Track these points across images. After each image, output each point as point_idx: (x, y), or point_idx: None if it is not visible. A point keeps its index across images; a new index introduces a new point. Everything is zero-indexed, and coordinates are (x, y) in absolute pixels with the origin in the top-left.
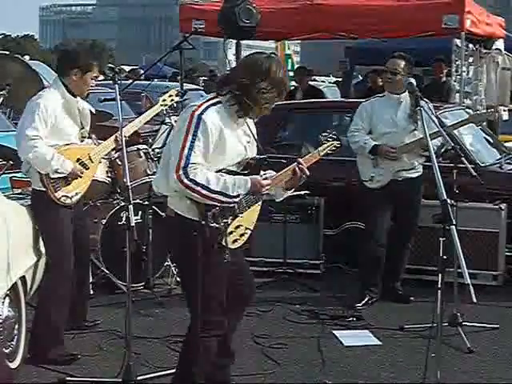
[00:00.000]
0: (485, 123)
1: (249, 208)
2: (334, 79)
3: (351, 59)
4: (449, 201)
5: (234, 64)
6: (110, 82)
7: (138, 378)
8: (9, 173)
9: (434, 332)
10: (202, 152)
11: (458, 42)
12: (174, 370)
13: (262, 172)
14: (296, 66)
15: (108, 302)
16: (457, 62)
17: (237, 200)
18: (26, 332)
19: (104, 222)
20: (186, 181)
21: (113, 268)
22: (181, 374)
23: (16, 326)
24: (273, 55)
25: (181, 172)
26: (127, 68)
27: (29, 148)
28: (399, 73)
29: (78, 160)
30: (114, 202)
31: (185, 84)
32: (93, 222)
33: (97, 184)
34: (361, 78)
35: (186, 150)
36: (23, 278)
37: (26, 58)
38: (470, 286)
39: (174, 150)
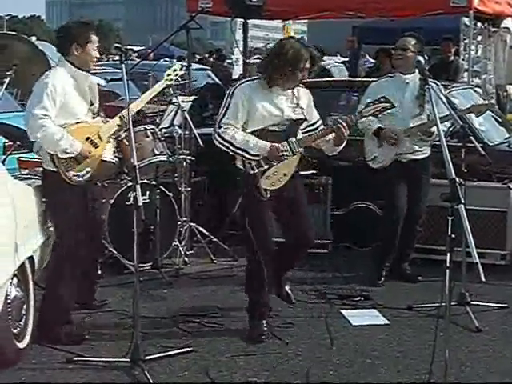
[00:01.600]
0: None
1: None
2: (342, 59)
3: (358, 38)
4: (457, 180)
5: (241, 44)
6: (117, 62)
7: (146, 357)
8: (16, 153)
9: (442, 311)
10: (232, 116)
11: (466, 20)
12: (182, 350)
13: (300, 133)
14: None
15: (116, 282)
16: (465, 41)
17: (257, 158)
18: (35, 312)
19: (111, 202)
20: (217, 137)
21: (120, 248)
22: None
23: (24, 306)
24: (291, 39)
25: (214, 132)
26: (136, 48)
27: (38, 127)
28: (409, 49)
29: (88, 138)
30: (122, 182)
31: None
32: (100, 202)
33: (104, 164)
34: (368, 57)
35: (220, 115)
36: (31, 258)
37: (33, 38)
38: (479, 265)
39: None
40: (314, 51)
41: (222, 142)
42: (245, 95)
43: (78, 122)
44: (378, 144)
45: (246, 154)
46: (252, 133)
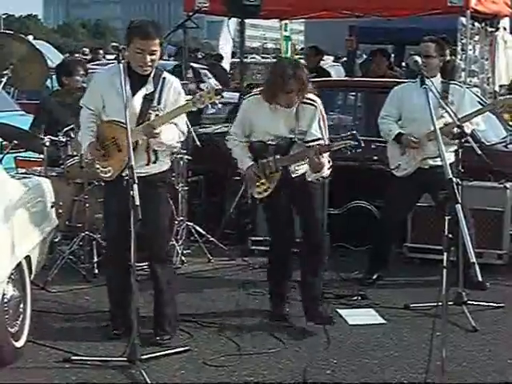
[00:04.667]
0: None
1: (269, 174)
2: (333, 58)
3: (355, 38)
4: (454, 179)
5: (237, 43)
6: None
7: (143, 356)
8: (13, 152)
9: (439, 311)
10: (236, 126)
11: (463, 20)
12: (179, 349)
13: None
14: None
15: None
16: (462, 41)
17: (243, 172)
18: (31, 311)
19: None
20: (226, 143)
21: None
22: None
23: (21, 306)
24: (285, 59)
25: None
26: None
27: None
28: (431, 55)
29: (113, 138)
30: None
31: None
32: (97, 202)
33: None
34: (365, 56)
35: (233, 123)
36: (28, 258)
37: (30, 37)
38: (476, 265)
39: None
40: (305, 75)
41: (228, 147)
42: (248, 109)
43: (116, 121)
44: (401, 151)
45: (238, 164)
46: (253, 143)
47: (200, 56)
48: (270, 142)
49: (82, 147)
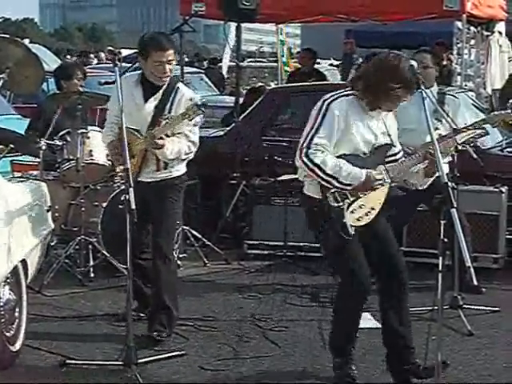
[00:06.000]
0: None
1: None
2: (335, 62)
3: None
4: (449, 183)
5: (232, 46)
6: (111, 65)
7: (139, 361)
8: (9, 156)
9: (435, 315)
10: (326, 135)
11: (459, 24)
12: (174, 353)
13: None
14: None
15: (109, 285)
16: (458, 45)
17: (349, 188)
18: (27, 315)
19: (104, 205)
20: (304, 159)
21: (114, 251)
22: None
23: (17, 310)
24: (401, 54)
25: (303, 150)
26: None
27: None
28: (428, 65)
29: (128, 144)
30: (115, 185)
31: (185, 67)
32: (93, 206)
33: (97, 167)
34: (361, 60)
35: (311, 132)
36: (24, 262)
37: (26, 41)
38: (471, 269)
39: (304, 132)
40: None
41: (309, 164)
42: (342, 112)
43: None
44: None
45: (335, 182)
46: (340, 156)
47: (186, 59)
48: (363, 155)
49: (104, 145)
